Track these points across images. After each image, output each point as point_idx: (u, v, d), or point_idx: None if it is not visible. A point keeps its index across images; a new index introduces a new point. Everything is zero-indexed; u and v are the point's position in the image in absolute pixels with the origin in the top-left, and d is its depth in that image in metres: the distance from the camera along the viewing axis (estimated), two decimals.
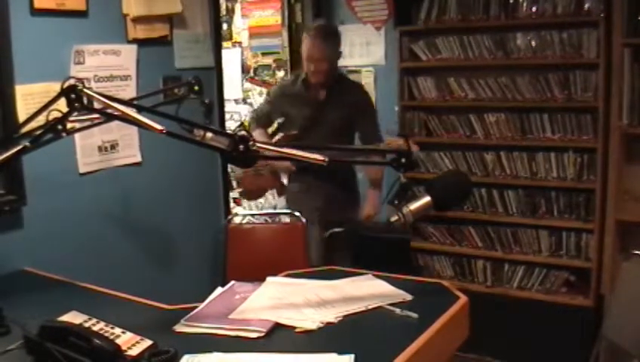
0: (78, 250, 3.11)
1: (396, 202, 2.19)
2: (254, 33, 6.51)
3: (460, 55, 4.43)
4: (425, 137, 4.62)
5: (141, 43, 3.44)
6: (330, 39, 3.84)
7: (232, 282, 2.45)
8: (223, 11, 6.26)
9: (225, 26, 6.35)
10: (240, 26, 6.61)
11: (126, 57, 3.37)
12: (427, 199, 2.20)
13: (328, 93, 3.87)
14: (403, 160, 2.14)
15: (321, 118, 3.83)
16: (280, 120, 3.97)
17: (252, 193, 4.35)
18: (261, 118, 4.13)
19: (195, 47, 3.83)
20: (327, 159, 2.01)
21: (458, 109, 4.52)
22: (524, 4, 4.18)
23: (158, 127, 1.84)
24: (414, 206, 2.18)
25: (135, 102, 2.38)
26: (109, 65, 3.29)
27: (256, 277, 2.48)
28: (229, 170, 4.43)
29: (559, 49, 4.11)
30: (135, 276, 3.22)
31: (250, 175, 4.04)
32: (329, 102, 3.85)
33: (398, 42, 4.60)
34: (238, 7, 6.60)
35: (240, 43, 6.59)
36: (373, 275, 2.49)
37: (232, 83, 6.49)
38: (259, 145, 1.93)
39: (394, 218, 2.19)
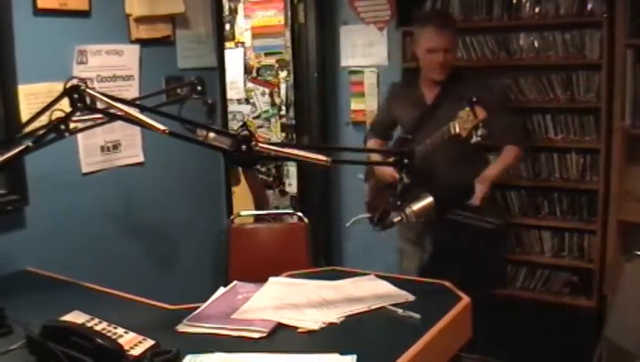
0: (81, 250, 3.11)
1: (398, 203, 2.20)
2: (257, 33, 6.53)
3: (463, 55, 4.42)
4: None
5: (144, 43, 3.44)
6: (454, 27, 3.54)
7: (235, 282, 2.45)
8: (226, 11, 6.27)
9: (228, 26, 6.36)
10: (243, 26, 6.63)
11: (129, 57, 3.37)
12: (430, 200, 2.20)
13: (442, 92, 3.51)
14: (405, 160, 2.14)
15: (430, 119, 3.44)
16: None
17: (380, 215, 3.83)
18: (375, 128, 3.97)
19: (198, 47, 3.83)
20: (329, 160, 2.00)
21: None
22: (527, 5, 4.17)
23: (161, 127, 1.84)
24: (417, 206, 2.18)
25: (138, 102, 2.38)
26: (112, 65, 3.29)
27: (259, 277, 2.48)
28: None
29: (562, 50, 4.11)
30: (137, 276, 3.23)
31: (374, 194, 3.87)
32: (442, 102, 3.48)
33: (401, 42, 4.59)
34: (240, 7, 6.61)
35: (243, 43, 6.61)
36: (376, 275, 2.49)
37: (235, 83, 6.51)
38: (261, 145, 1.93)
39: (396, 218, 2.20)
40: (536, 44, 4.19)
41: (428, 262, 3.67)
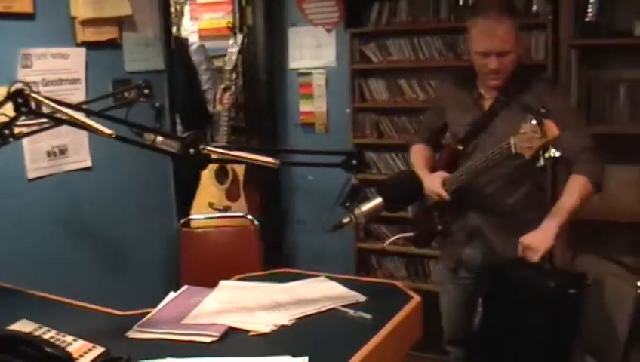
0: (28, 257, 3.07)
1: (347, 204, 2.21)
2: (205, 36, 6.48)
3: (411, 57, 4.46)
4: (376, 139, 4.64)
5: (90, 46, 3.41)
6: (513, 22, 2.68)
7: (185, 286, 2.44)
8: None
9: (174, 29, 6.30)
10: (189, 29, 6.56)
11: (75, 60, 3.34)
12: (379, 200, 2.21)
13: (501, 96, 2.79)
14: (353, 161, 2.15)
15: (485, 129, 2.82)
16: None
17: (423, 235, 3.23)
18: (422, 132, 3.28)
19: (145, 50, 3.81)
20: (278, 162, 2.01)
21: (409, 110, 4.54)
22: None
23: (108, 131, 1.82)
24: (366, 207, 2.20)
25: (84, 106, 2.35)
26: (58, 69, 3.26)
27: (210, 281, 2.47)
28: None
29: None
30: (86, 282, 3.20)
31: (419, 212, 3.17)
32: (500, 108, 2.78)
33: (349, 44, 4.61)
34: (187, 8, 6.54)
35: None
36: (326, 277, 2.50)
37: None
38: (209, 148, 1.93)
39: (345, 219, 2.21)
40: None
41: (479, 327, 2.85)
